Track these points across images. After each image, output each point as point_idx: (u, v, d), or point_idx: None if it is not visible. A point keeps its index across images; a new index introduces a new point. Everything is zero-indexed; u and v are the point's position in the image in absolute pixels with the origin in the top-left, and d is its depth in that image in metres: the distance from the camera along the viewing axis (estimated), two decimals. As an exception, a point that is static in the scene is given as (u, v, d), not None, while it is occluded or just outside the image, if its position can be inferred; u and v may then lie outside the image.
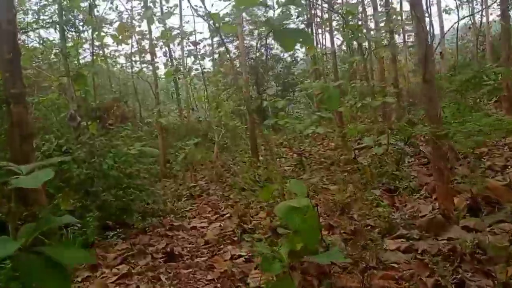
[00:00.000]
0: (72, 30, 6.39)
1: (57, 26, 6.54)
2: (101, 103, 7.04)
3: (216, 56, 22.60)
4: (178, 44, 17.20)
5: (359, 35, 6.23)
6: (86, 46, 15.80)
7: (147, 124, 13.16)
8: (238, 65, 23.69)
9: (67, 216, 2.29)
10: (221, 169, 10.12)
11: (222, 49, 22.74)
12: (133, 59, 16.94)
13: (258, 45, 26.07)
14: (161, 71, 16.04)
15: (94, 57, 7.58)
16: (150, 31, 12.43)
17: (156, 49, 16.24)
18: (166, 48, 16.39)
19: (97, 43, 16.70)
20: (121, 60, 19.44)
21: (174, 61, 14.73)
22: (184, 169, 12.80)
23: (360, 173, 6.74)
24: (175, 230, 5.64)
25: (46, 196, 5.31)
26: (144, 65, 16.79)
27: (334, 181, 6.91)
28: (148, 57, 14.66)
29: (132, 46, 15.95)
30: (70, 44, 8.28)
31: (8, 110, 4.96)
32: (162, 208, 6.68)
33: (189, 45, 16.45)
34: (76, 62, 13.54)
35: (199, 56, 12.80)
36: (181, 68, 13.52)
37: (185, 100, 14.72)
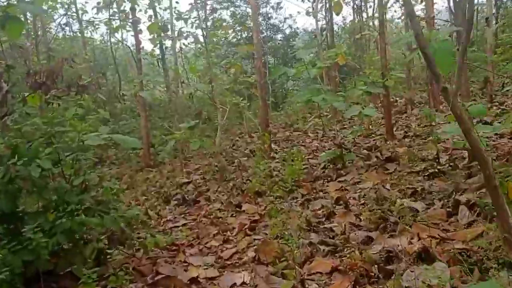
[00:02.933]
0: None
1: None
2: (45, 65, 4.52)
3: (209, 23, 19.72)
4: (166, 9, 14.46)
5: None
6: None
7: (121, 99, 10.55)
8: (232, 36, 20.97)
9: None
10: (223, 160, 7.61)
11: (216, 15, 19.94)
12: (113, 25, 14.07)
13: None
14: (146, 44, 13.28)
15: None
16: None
17: (139, 11, 13.51)
18: (151, 12, 13.72)
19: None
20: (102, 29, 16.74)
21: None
22: (172, 156, 10.29)
23: (453, 180, 4.30)
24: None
25: None
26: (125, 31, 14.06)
27: (407, 190, 4.45)
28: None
29: (111, 8, 13.25)
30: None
31: None
32: (139, 232, 4.21)
33: (177, 11, 13.65)
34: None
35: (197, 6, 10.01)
36: (169, 30, 10.81)
37: (173, 69, 12.02)
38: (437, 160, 5.02)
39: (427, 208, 3.82)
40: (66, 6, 14.98)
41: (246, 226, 4.47)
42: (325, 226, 3.88)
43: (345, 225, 3.74)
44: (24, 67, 6.80)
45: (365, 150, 6.69)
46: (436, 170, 4.76)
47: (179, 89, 14.10)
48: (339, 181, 5.56)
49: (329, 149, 7.47)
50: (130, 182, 8.47)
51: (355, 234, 3.50)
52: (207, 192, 6.51)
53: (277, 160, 7.27)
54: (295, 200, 5.09)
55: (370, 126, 9.19)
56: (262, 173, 6.21)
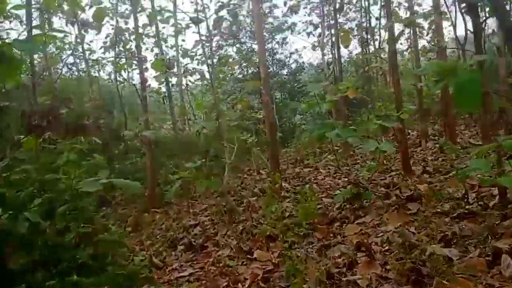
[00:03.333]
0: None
1: None
2: (40, 105, 4.26)
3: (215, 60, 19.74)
4: (172, 47, 14.50)
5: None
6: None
7: (121, 140, 10.31)
8: (238, 72, 20.96)
9: None
10: (231, 201, 7.23)
11: (222, 51, 20.01)
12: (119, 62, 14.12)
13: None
14: (154, 82, 13.21)
15: (33, 29, 4.71)
16: (135, 17, 9.69)
17: (145, 50, 13.55)
18: (157, 50, 13.73)
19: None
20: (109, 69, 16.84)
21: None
22: (179, 196, 9.92)
23: (486, 223, 3.89)
24: None
25: None
26: (130, 70, 14.13)
27: (436, 234, 4.03)
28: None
29: (117, 46, 13.33)
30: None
31: None
32: (142, 284, 3.81)
33: (183, 49, 13.67)
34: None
35: (203, 41, 9.89)
36: (175, 67, 10.69)
37: (180, 106, 11.84)
38: (465, 199, 4.62)
39: (462, 256, 3.40)
40: (73, 47, 15.15)
41: (259, 277, 4.06)
42: (348, 278, 3.46)
43: (370, 277, 3.32)
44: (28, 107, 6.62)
45: (382, 188, 6.29)
46: (465, 211, 4.35)
47: (185, 126, 13.93)
48: (357, 223, 5.14)
49: (343, 186, 7.09)
50: (135, 224, 8.11)
51: (384, 289, 3.08)
52: (215, 236, 6.10)
53: (288, 200, 6.88)
54: (310, 246, 4.68)
55: (385, 161, 8.81)
56: (273, 215, 5.82)
